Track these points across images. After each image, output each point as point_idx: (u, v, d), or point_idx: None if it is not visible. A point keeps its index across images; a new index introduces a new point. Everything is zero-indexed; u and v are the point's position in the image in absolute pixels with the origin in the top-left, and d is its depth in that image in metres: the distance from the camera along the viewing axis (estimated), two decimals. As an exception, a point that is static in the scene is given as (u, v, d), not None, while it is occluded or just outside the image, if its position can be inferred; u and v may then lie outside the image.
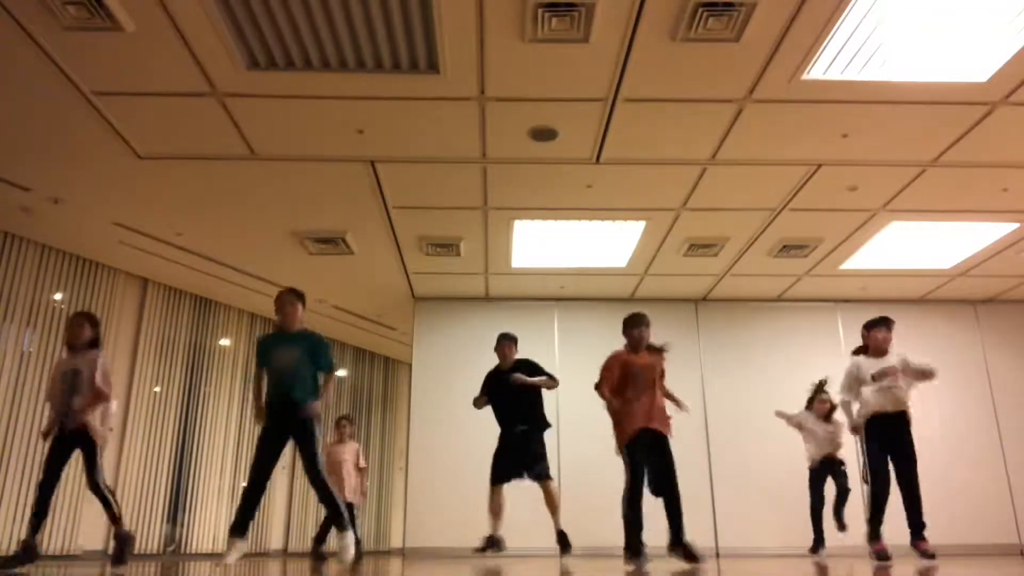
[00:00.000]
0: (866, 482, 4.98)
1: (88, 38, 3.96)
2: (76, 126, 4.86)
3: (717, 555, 7.24)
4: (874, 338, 5.10)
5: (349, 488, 7.20)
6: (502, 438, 5.52)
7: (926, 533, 4.76)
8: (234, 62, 4.17)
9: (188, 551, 7.88)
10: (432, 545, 7.15)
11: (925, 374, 4.98)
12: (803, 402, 6.71)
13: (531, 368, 5.59)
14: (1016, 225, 6.37)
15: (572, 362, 7.82)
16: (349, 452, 7.30)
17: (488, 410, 5.69)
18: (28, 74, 4.30)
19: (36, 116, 4.77)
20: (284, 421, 4.24)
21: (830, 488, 6.44)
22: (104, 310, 7.32)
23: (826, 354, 8.01)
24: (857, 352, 5.25)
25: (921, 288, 7.92)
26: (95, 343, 4.70)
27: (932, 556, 4.69)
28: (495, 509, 5.40)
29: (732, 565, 4.95)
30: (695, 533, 6.53)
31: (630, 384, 4.61)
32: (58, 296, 6.92)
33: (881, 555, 4.85)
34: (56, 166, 5.43)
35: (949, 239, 6.71)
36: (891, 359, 5.02)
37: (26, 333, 6.65)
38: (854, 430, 5.12)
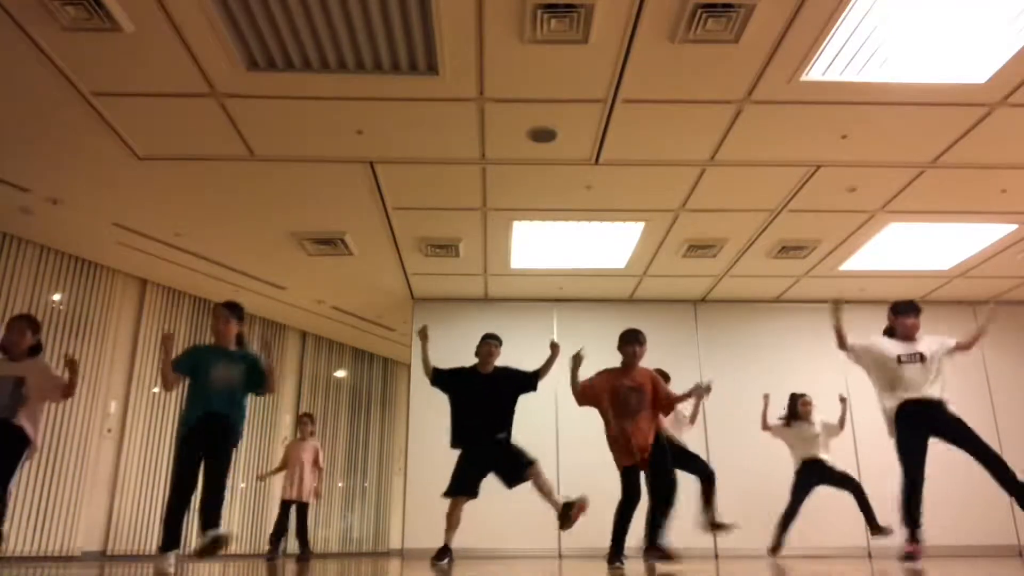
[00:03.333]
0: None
1: (87, 39, 3.96)
2: (75, 127, 4.86)
3: (716, 556, 7.24)
4: (902, 324, 4.71)
5: (305, 488, 7.23)
6: (471, 449, 5.03)
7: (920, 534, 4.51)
8: (233, 63, 4.17)
9: (187, 552, 7.87)
10: (431, 546, 7.10)
11: (949, 346, 4.64)
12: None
13: (514, 376, 5.20)
14: (1015, 226, 6.38)
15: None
16: (309, 451, 7.34)
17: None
18: (27, 75, 4.30)
19: (35, 117, 4.77)
20: (208, 436, 3.99)
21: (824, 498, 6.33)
22: (103, 311, 7.32)
23: (825, 355, 7.97)
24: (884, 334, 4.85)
25: (920, 289, 7.93)
26: (37, 349, 4.50)
27: None
28: (455, 522, 5.03)
29: (732, 566, 4.95)
30: (694, 534, 6.55)
31: (618, 406, 4.47)
32: (57, 297, 6.92)
33: (910, 557, 4.44)
34: (55, 167, 5.43)
35: (948, 240, 6.71)
36: (922, 343, 4.66)
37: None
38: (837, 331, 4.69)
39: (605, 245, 6.82)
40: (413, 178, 5.57)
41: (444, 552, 5.04)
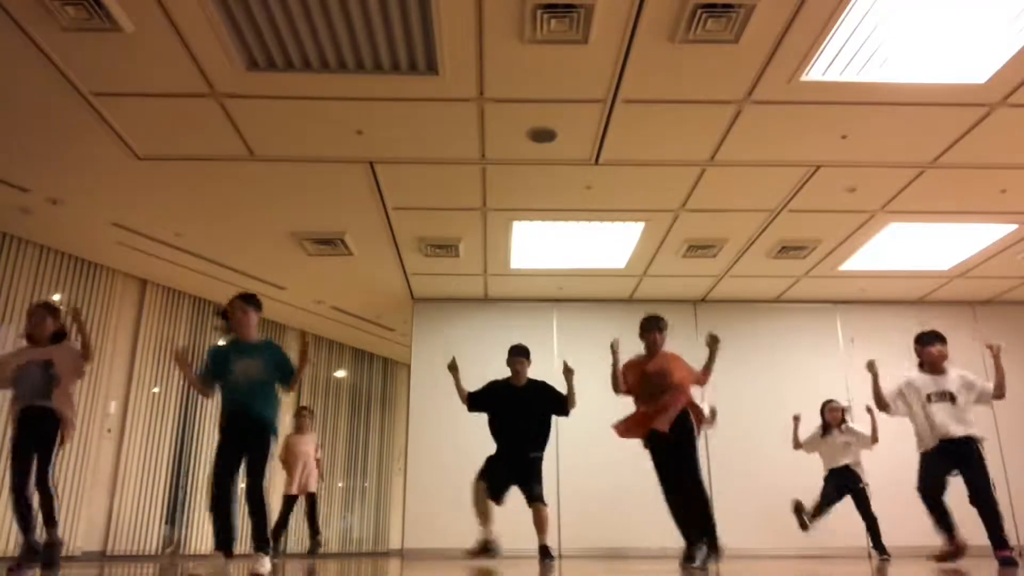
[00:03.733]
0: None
1: (87, 39, 3.96)
2: (75, 127, 4.86)
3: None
4: (928, 353, 4.69)
5: (313, 479, 7.25)
6: (504, 456, 5.20)
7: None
8: (233, 63, 4.17)
9: (187, 552, 7.87)
10: (431, 546, 7.14)
11: (987, 396, 4.63)
12: (801, 405, 6.66)
13: (549, 394, 5.33)
14: (1015, 226, 6.38)
15: (571, 363, 7.80)
16: (310, 443, 7.36)
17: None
18: (27, 75, 4.30)
19: (35, 117, 4.77)
20: (243, 436, 3.91)
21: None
22: (103, 311, 7.32)
23: (825, 355, 8.02)
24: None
25: (920, 289, 7.93)
26: (60, 335, 4.59)
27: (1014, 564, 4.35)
28: (484, 510, 5.12)
29: (732, 566, 4.95)
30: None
31: (643, 393, 4.54)
32: (57, 297, 6.91)
33: (951, 556, 4.52)
34: (55, 167, 5.43)
35: (948, 240, 6.71)
36: (952, 380, 4.63)
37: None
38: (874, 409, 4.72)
39: (605, 245, 6.82)
40: (413, 178, 5.57)
41: (486, 546, 5.10)
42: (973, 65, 4.20)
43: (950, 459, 4.52)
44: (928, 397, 4.61)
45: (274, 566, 4.20)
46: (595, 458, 7.27)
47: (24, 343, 4.64)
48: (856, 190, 5.76)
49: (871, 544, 6.19)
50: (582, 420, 6.83)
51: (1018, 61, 4.14)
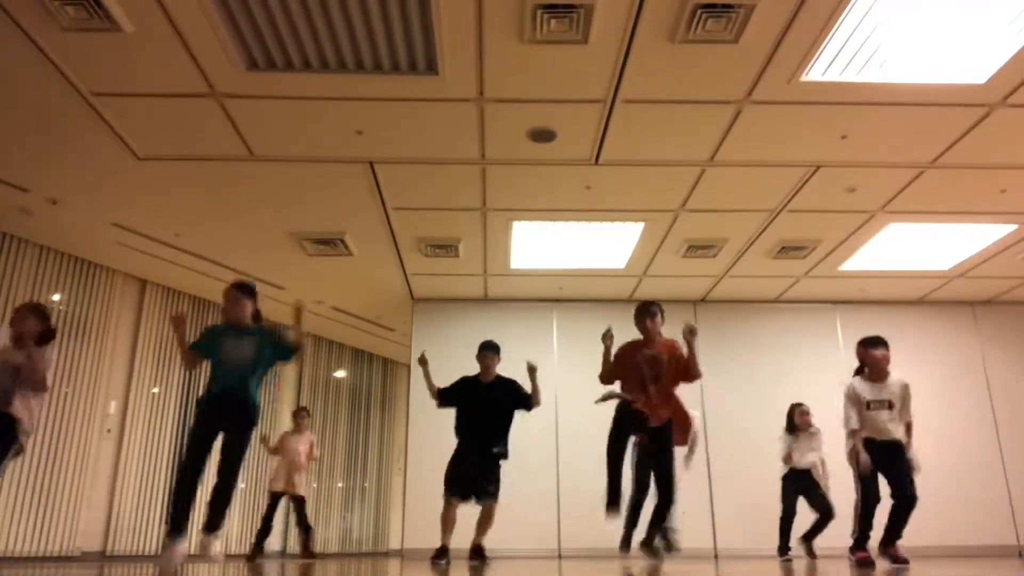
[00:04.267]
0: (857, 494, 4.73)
1: (87, 39, 3.96)
2: (75, 127, 4.86)
3: (716, 556, 7.24)
4: (871, 356, 4.77)
5: (301, 482, 7.15)
6: (466, 453, 5.18)
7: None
8: (233, 63, 4.17)
9: (187, 552, 7.86)
10: (431, 546, 7.12)
11: (908, 425, 4.72)
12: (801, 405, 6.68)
13: (514, 392, 5.27)
14: (1014, 226, 6.38)
15: (571, 363, 7.83)
16: (304, 442, 7.27)
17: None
18: (26, 75, 4.30)
19: (35, 117, 4.77)
20: (222, 415, 3.95)
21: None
22: (102, 311, 7.32)
23: (825, 355, 8.02)
24: (856, 373, 4.92)
25: (920, 289, 7.93)
26: (46, 337, 4.38)
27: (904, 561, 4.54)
28: (450, 524, 5.13)
29: (731, 566, 4.95)
30: (694, 534, 6.54)
31: (633, 377, 4.46)
32: (56, 297, 6.92)
33: (864, 563, 4.62)
34: (54, 167, 5.43)
35: (948, 240, 6.71)
36: (892, 387, 4.72)
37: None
38: (854, 456, 4.70)
39: (605, 245, 6.82)
40: (413, 178, 5.57)
41: (443, 552, 5.11)
42: (973, 65, 4.20)
43: (880, 456, 4.66)
44: (868, 404, 4.71)
45: (259, 566, 4.21)
46: (595, 458, 7.24)
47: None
48: (856, 190, 5.76)
49: (807, 536, 6.29)
50: (582, 420, 6.83)
51: (1018, 61, 4.15)
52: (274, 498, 7.09)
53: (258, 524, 7.20)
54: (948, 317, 8.19)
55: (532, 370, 5.18)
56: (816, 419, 6.52)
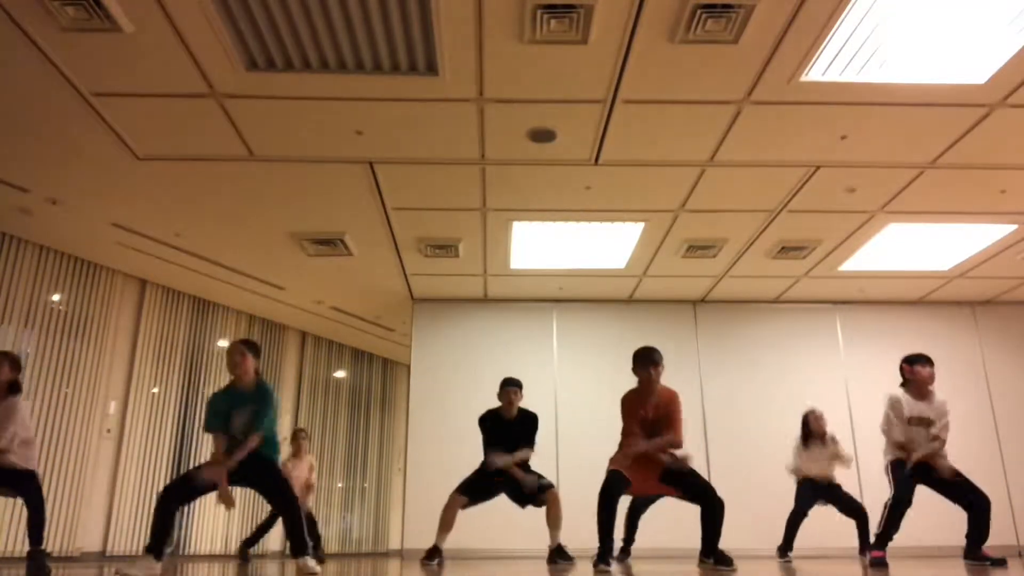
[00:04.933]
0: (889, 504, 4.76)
1: (86, 39, 3.96)
2: (74, 127, 4.86)
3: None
4: (919, 374, 4.80)
5: (304, 504, 7.16)
6: (489, 476, 5.25)
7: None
8: (233, 63, 4.17)
9: (187, 552, 7.87)
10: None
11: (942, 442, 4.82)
12: (800, 406, 6.66)
13: (530, 426, 5.39)
14: (1014, 227, 6.38)
15: (571, 363, 7.83)
16: (303, 469, 7.27)
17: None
18: (26, 75, 4.30)
19: (34, 117, 4.77)
20: (242, 475, 4.01)
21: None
22: (102, 311, 7.32)
23: (825, 355, 8.02)
24: (901, 386, 4.92)
25: (919, 290, 7.93)
26: (15, 388, 4.37)
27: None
28: (448, 523, 5.18)
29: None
30: (694, 534, 6.49)
31: (646, 433, 4.31)
32: (56, 297, 6.92)
33: (878, 562, 4.66)
34: (54, 167, 5.43)
35: (948, 241, 6.71)
36: (936, 407, 4.81)
37: (24, 334, 6.64)
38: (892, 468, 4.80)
39: (605, 245, 6.82)
40: (413, 178, 5.57)
41: (435, 552, 5.15)
42: (972, 66, 4.20)
43: (925, 474, 4.81)
44: (909, 420, 4.80)
45: (244, 569, 4.24)
46: (595, 459, 7.24)
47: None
48: (856, 190, 5.76)
49: (861, 548, 6.10)
50: (582, 421, 6.82)
51: (1017, 61, 4.15)
52: (273, 516, 7.15)
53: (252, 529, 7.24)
54: (948, 317, 8.19)
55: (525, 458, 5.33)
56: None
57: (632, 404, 4.38)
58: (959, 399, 7.87)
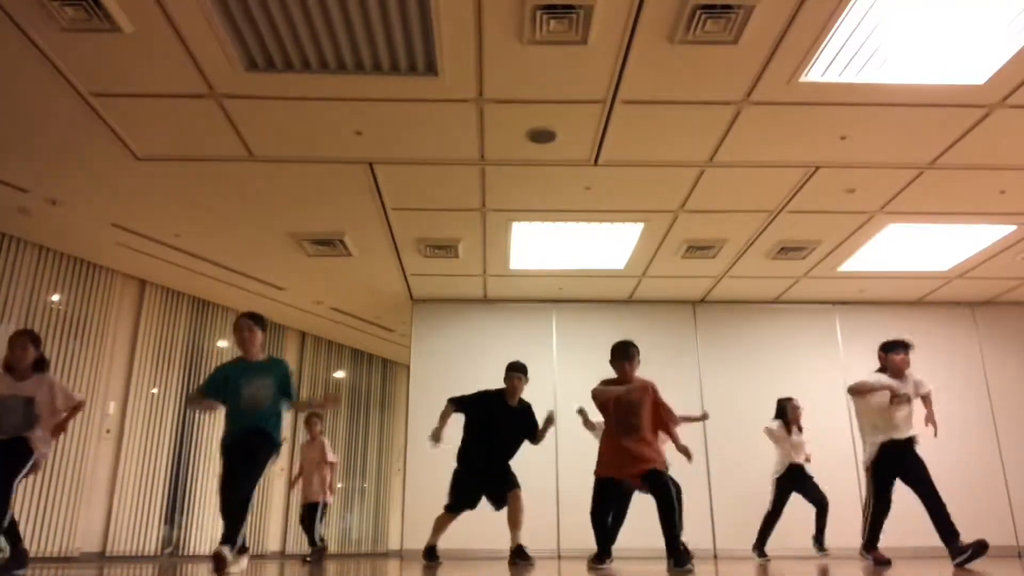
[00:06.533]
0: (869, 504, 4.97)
1: (86, 39, 3.96)
2: (74, 127, 4.86)
3: (715, 556, 7.24)
4: (892, 360, 5.03)
5: (322, 488, 7.26)
6: (478, 467, 5.22)
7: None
8: (232, 63, 4.17)
9: (186, 553, 7.87)
10: (430, 547, 7.13)
11: (928, 401, 4.98)
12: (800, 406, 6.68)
13: (530, 420, 5.36)
14: (1014, 227, 6.38)
15: (570, 364, 7.83)
16: (316, 450, 7.36)
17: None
18: (26, 75, 4.30)
19: (34, 117, 4.76)
20: (245, 450, 3.93)
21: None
22: (102, 312, 7.31)
23: (824, 356, 8.02)
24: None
25: (919, 290, 7.93)
26: (42, 364, 4.38)
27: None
28: (441, 527, 5.22)
29: (730, 567, 4.95)
30: (693, 535, 6.51)
31: (619, 422, 4.35)
32: (55, 297, 6.91)
33: (880, 561, 4.84)
34: (54, 167, 5.42)
35: (947, 241, 6.72)
36: (910, 382, 4.99)
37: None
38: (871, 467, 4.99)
39: (604, 246, 6.82)
40: (412, 179, 5.57)
41: (432, 552, 5.23)
42: (972, 66, 4.20)
43: (897, 461, 4.93)
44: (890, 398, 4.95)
45: (315, 567, 4.17)
46: (595, 459, 7.25)
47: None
48: (855, 191, 5.76)
49: (817, 534, 6.40)
50: (580, 422, 6.78)
51: (1017, 62, 4.15)
52: (304, 508, 7.35)
53: (260, 528, 7.27)
54: (947, 318, 8.19)
55: (549, 423, 5.29)
56: (816, 419, 6.54)
57: (600, 396, 4.50)
58: (959, 399, 7.88)
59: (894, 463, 4.88)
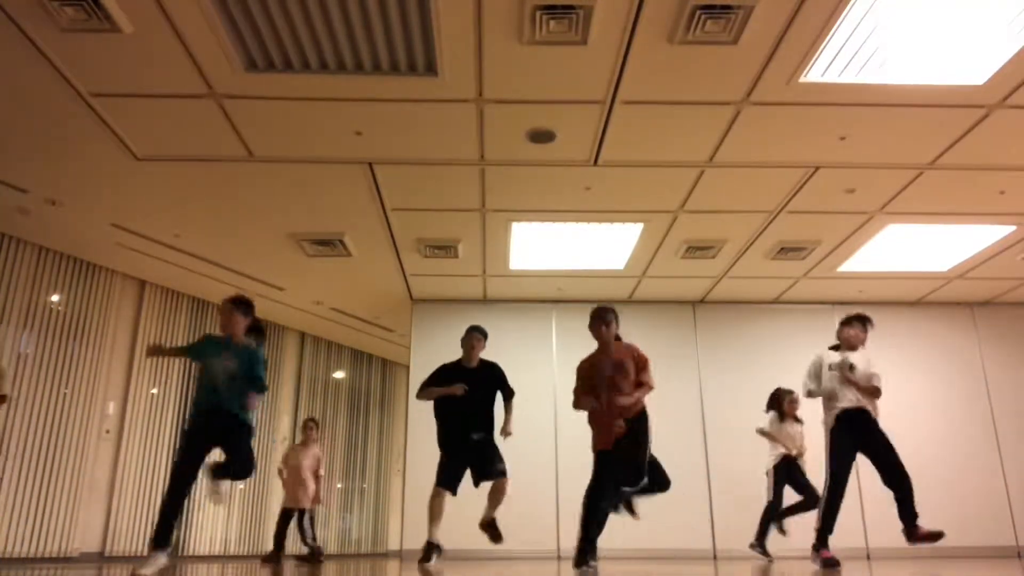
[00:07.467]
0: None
1: (86, 39, 3.96)
2: (73, 128, 4.86)
3: (715, 557, 7.24)
4: (844, 334, 4.95)
5: (306, 495, 7.12)
6: (452, 445, 5.12)
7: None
8: (232, 64, 4.17)
9: (186, 553, 7.87)
10: (430, 547, 7.13)
11: (872, 390, 4.75)
12: (799, 406, 6.68)
13: (497, 376, 5.21)
14: (1013, 227, 6.38)
15: (570, 364, 7.76)
16: (310, 457, 7.24)
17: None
18: (25, 75, 4.30)
19: (33, 117, 4.76)
20: (212, 428, 4.00)
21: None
22: (101, 311, 7.31)
23: (824, 356, 8.01)
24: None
25: (918, 290, 7.93)
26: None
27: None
28: (437, 513, 5.06)
29: (730, 567, 4.95)
30: (693, 535, 6.52)
31: (597, 381, 4.38)
32: (55, 298, 6.91)
33: (829, 563, 4.62)
34: (53, 168, 5.42)
35: (947, 242, 6.72)
36: (859, 355, 4.85)
37: (23, 335, 6.63)
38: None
39: (604, 246, 6.82)
40: (412, 179, 5.57)
41: (430, 549, 5.01)
42: (971, 67, 4.20)
43: (853, 432, 4.77)
44: (829, 367, 4.92)
45: (276, 571, 4.21)
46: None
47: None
48: (855, 191, 5.76)
49: (783, 514, 6.38)
50: (582, 422, 6.78)
51: (1016, 63, 4.15)
52: (284, 514, 7.16)
53: (260, 528, 7.21)
54: (947, 318, 8.19)
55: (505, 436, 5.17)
56: (816, 419, 6.51)
57: (583, 369, 4.52)
58: (958, 399, 7.88)
59: (850, 432, 4.71)
